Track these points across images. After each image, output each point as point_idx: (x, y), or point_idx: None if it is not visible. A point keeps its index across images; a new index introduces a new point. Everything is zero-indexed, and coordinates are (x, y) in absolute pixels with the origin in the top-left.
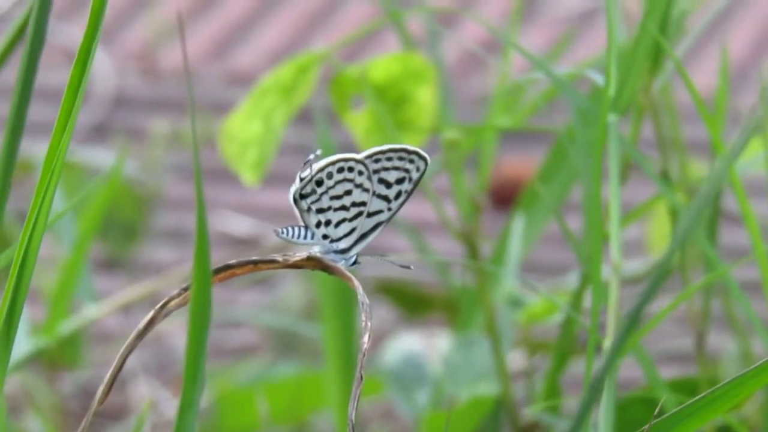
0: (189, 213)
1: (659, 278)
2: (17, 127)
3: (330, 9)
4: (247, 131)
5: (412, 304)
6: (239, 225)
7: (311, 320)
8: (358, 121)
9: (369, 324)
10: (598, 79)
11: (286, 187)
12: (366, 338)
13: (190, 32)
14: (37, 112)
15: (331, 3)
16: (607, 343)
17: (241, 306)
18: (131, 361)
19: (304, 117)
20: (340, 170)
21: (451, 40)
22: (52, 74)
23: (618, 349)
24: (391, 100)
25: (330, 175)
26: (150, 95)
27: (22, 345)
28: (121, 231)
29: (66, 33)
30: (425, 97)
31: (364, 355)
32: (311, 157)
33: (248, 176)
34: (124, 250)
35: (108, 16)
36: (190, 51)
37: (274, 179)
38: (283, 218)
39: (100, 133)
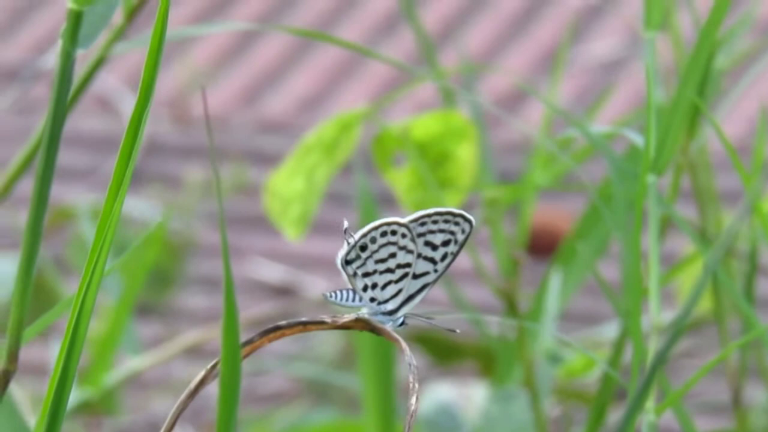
0: (222, 260)
1: (678, 332)
2: (47, 173)
3: (360, 57)
4: (290, 188)
5: (444, 353)
6: (274, 273)
7: (344, 368)
8: (399, 178)
9: (416, 386)
10: (637, 139)
11: (322, 234)
12: (414, 400)
13: (221, 79)
14: (68, 158)
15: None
16: (649, 403)
17: (273, 352)
18: (165, 407)
19: (344, 165)
20: (384, 234)
21: (483, 86)
22: (85, 121)
23: (641, 397)
24: (432, 158)
25: (374, 240)
26: (182, 142)
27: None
28: (155, 278)
29: (99, 80)
30: (465, 155)
31: (412, 416)
32: (346, 224)
33: (291, 232)
34: (159, 297)
35: (138, 63)
36: (221, 98)
37: (313, 228)
38: (318, 266)
39: (132, 180)
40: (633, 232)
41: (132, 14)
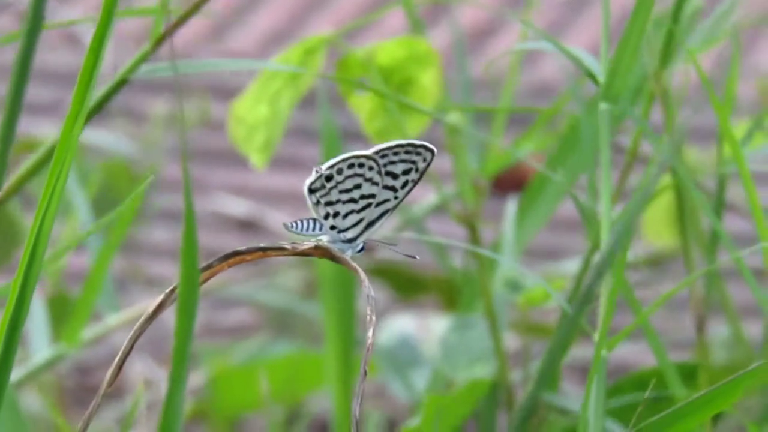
0: None
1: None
2: (15, 106)
3: None
4: (254, 114)
5: (406, 286)
6: (238, 207)
7: (307, 300)
8: (362, 104)
9: (374, 318)
10: (592, 64)
11: (285, 169)
12: (371, 333)
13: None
14: (36, 93)
15: None
16: (596, 337)
17: (237, 285)
18: (125, 339)
19: (306, 100)
20: (351, 166)
21: (447, 23)
22: (51, 56)
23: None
24: (396, 83)
25: (340, 171)
26: (147, 76)
27: (45, 351)
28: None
29: (64, 16)
30: (429, 81)
31: (368, 350)
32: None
33: (256, 159)
34: None
35: None
36: (187, 33)
37: (274, 162)
38: (282, 200)
39: (97, 114)
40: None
41: None
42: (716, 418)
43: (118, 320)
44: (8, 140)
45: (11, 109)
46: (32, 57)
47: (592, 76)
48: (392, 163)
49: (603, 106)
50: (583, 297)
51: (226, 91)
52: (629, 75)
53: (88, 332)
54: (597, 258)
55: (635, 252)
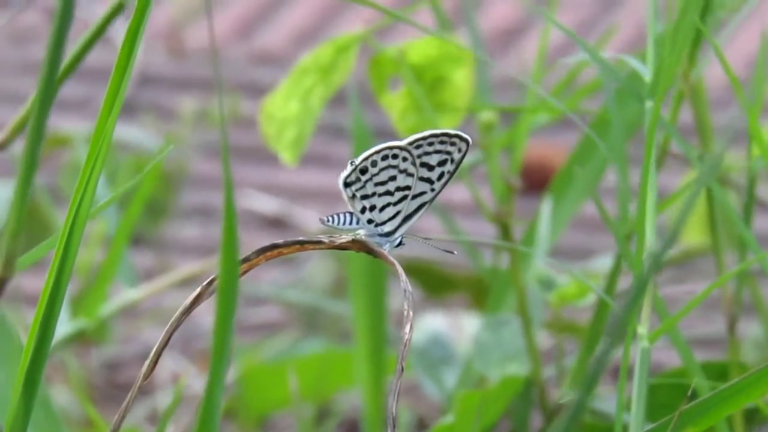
0: (214, 191)
1: (666, 246)
2: (45, 102)
3: None
4: (285, 110)
5: (437, 284)
6: (267, 204)
7: (336, 298)
8: (394, 102)
9: (411, 314)
10: (638, 65)
11: (316, 167)
12: (408, 329)
13: (217, 12)
14: (66, 90)
15: None
16: (642, 330)
17: (266, 284)
18: (156, 336)
19: (336, 98)
20: (385, 158)
21: (481, 19)
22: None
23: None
24: (428, 82)
25: (374, 163)
26: (176, 74)
27: (63, 326)
28: (147, 208)
29: (95, 12)
30: (461, 79)
31: (405, 346)
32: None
33: (286, 155)
34: (151, 226)
35: None
36: (216, 31)
37: (305, 159)
38: (312, 198)
39: (126, 111)
40: (646, 156)
41: None
42: (749, 420)
43: (137, 294)
44: (39, 136)
45: (41, 106)
46: (62, 53)
47: (636, 78)
48: (427, 153)
49: (649, 102)
50: (631, 299)
51: (257, 89)
52: (672, 73)
53: (106, 307)
54: (644, 260)
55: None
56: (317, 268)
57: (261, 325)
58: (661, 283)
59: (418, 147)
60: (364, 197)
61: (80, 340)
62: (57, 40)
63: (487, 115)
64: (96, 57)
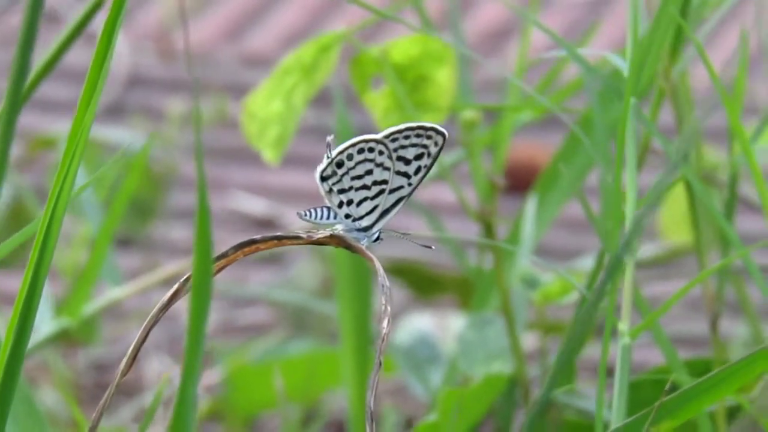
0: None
1: (634, 232)
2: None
3: None
4: (268, 109)
5: (424, 284)
6: (255, 205)
7: (324, 299)
8: (377, 101)
9: (389, 309)
10: (620, 62)
11: (302, 168)
12: (386, 324)
13: (205, 14)
14: (54, 91)
15: None
16: (623, 326)
17: (254, 284)
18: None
19: (321, 99)
20: (361, 151)
21: (468, 22)
22: (69, 55)
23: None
24: (411, 81)
25: (350, 157)
26: (165, 76)
27: (46, 325)
28: (135, 209)
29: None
30: (444, 78)
31: (383, 340)
32: (329, 138)
33: (269, 154)
34: (139, 228)
35: None
36: (205, 32)
37: (291, 160)
38: (299, 198)
39: (115, 112)
40: (617, 154)
41: None
42: (731, 416)
43: (121, 293)
44: (8, 136)
45: (11, 106)
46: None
47: (619, 74)
48: (403, 147)
49: (632, 100)
50: (598, 289)
51: (246, 91)
52: (652, 70)
53: (91, 306)
54: (609, 256)
55: (652, 249)
56: (305, 268)
57: (249, 326)
58: (645, 282)
59: (394, 140)
60: (341, 191)
61: (67, 341)
62: (27, 36)
63: (469, 114)
64: (84, 59)
